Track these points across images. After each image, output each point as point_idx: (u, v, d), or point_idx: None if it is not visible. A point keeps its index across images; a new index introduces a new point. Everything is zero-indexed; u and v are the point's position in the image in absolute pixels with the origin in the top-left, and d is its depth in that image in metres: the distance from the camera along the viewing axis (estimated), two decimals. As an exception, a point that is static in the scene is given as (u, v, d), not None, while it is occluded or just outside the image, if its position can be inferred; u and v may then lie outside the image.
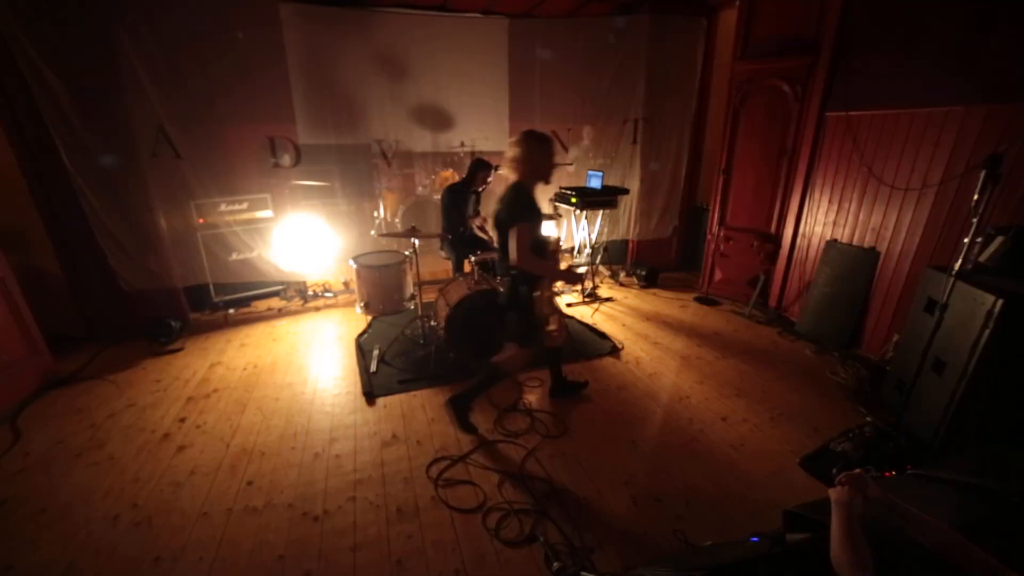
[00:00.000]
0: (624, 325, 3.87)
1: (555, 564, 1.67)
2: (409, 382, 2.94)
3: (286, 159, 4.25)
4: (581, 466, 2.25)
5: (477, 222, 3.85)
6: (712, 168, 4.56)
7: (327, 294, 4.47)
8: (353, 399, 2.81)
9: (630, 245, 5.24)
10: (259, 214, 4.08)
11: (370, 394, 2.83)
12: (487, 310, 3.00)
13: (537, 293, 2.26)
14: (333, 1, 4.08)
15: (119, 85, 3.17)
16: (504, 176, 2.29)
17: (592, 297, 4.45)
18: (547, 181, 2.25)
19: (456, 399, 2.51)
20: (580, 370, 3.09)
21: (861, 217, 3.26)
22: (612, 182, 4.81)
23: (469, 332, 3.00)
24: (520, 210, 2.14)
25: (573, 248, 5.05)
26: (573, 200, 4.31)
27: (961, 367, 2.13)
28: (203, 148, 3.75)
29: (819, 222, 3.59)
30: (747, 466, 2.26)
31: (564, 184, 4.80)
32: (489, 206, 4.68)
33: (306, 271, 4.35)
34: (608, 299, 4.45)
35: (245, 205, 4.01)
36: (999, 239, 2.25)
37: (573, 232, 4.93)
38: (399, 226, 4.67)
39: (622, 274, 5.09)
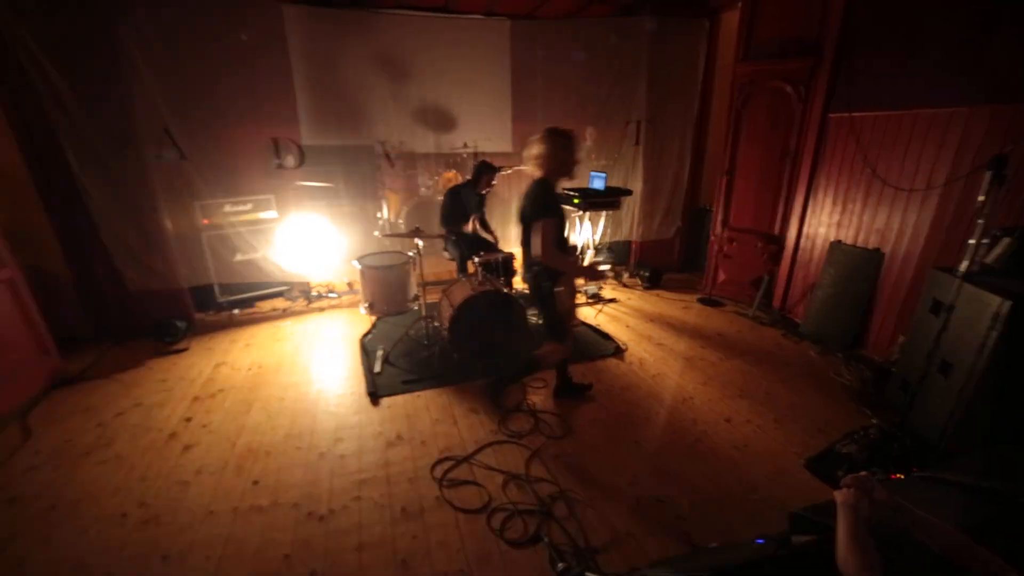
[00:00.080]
0: (628, 326, 3.87)
1: (560, 565, 1.68)
2: (413, 383, 2.95)
3: (290, 160, 4.27)
4: (585, 467, 2.26)
5: (471, 227, 3.78)
6: (715, 169, 4.56)
7: (331, 295, 4.49)
8: (358, 399, 2.82)
9: (633, 246, 5.24)
10: (263, 215, 4.10)
11: (374, 394, 2.84)
12: (491, 311, 3.02)
13: (559, 288, 2.29)
14: (336, 3, 4.11)
15: (125, 87, 3.20)
16: (521, 173, 2.35)
17: (596, 298, 4.45)
18: (571, 177, 2.33)
19: (492, 385, 2.64)
20: (584, 371, 3.10)
21: (865, 218, 3.26)
22: (615, 183, 4.81)
23: (473, 333, 3.01)
24: (544, 206, 2.19)
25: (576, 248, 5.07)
26: (576, 201, 4.32)
27: (968, 369, 2.13)
28: (208, 149, 3.78)
29: (823, 223, 3.58)
30: (751, 468, 2.25)
31: (567, 185, 4.80)
32: (495, 208, 4.71)
33: (310, 272, 4.38)
34: (612, 300, 4.46)
35: (249, 206, 4.03)
36: (1005, 240, 2.25)
37: (576, 233, 4.93)
38: (402, 227, 4.68)
39: (625, 275, 5.09)
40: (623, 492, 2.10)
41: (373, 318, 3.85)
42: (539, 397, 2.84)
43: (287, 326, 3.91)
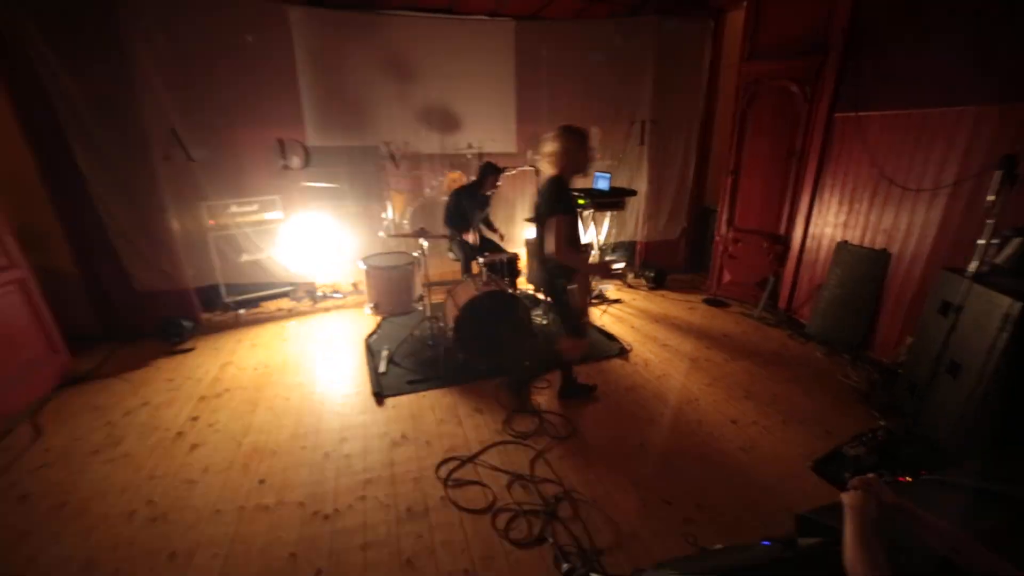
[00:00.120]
0: (632, 327, 3.86)
1: (564, 565, 1.68)
2: (418, 383, 2.96)
3: (295, 161, 4.29)
4: (590, 467, 2.25)
5: (471, 238, 3.66)
6: (720, 169, 4.54)
7: (336, 295, 4.51)
8: (363, 399, 2.84)
9: (638, 247, 5.23)
10: (269, 215, 4.12)
11: (379, 394, 2.85)
12: (496, 311, 3.02)
13: (572, 285, 2.31)
14: (341, 4, 4.13)
15: (133, 90, 3.23)
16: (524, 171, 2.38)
17: (600, 299, 4.44)
18: (585, 175, 2.37)
19: (513, 383, 2.68)
20: (589, 371, 3.09)
21: (872, 218, 3.23)
22: (619, 183, 4.80)
23: (478, 333, 3.02)
24: (558, 203, 2.20)
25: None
26: (581, 201, 4.31)
27: (977, 370, 2.11)
28: (214, 150, 3.81)
29: (829, 223, 3.56)
30: (757, 469, 2.24)
31: (571, 186, 4.79)
32: (499, 208, 4.71)
33: (315, 272, 4.40)
34: (616, 301, 4.45)
35: (255, 207, 4.06)
36: (1016, 240, 2.22)
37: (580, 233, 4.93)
38: (407, 227, 4.70)
39: (630, 276, 5.08)
40: (628, 493, 2.09)
41: (378, 318, 3.87)
42: (544, 398, 2.84)
43: (292, 326, 3.93)
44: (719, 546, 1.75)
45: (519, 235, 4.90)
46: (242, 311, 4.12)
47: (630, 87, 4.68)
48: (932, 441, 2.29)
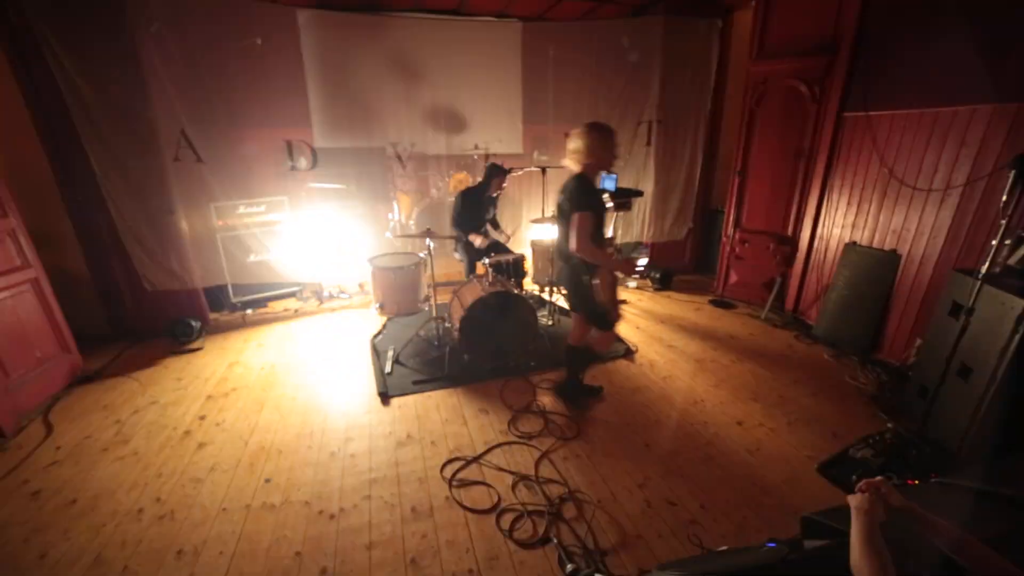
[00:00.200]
0: (638, 327, 3.85)
1: (569, 566, 1.67)
2: (423, 383, 2.97)
3: (303, 162, 4.33)
4: (595, 468, 2.25)
5: (478, 242, 3.70)
6: (727, 170, 4.51)
7: (342, 295, 4.53)
8: (368, 399, 2.85)
9: (644, 247, 5.21)
10: (276, 216, 4.16)
11: (385, 394, 2.86)
12: (501, 311, 3.02)
13: (596, 281, 2.32)
14: (349, 7, 4.16)
15: (144, 92, 3.27)
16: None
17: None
18: (609, 171, 2.36)
19: (560, 389, 2.73)
20: (594, 372, 3.08)
21: (881, 219, 3.20)
22: (626, 184, 4.79)
23: (483, 333, 3.02)
24: (582, 199, 2.21)
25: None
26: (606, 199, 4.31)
27: (989, 373, 2.08)
28: (223, 152, 3.85)
29: (837, 224, 3.53)
30: (763, 471, 2.22)
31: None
32: (504, 209, 4.72)
33: (322, 273, 4.43)
34: (622, 301, 4.43)
35: (263, 208, 4.10)
36: (1028, 242, 2.19)
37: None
38: (414, 228, 4.72)
39: (636, 277, 5.06)
40: (633, 494, 2.09)
41: (384, 319, 3.88)
42: (549, 398, 2.84)
43: (299, 326, 3.96)
44: (724, 548, 1.74)
45: (525, 235, 4.91)
46: (249, 311, 4.16)
47: (637, 87, 4.67)
48: (941, 444, 2.26)
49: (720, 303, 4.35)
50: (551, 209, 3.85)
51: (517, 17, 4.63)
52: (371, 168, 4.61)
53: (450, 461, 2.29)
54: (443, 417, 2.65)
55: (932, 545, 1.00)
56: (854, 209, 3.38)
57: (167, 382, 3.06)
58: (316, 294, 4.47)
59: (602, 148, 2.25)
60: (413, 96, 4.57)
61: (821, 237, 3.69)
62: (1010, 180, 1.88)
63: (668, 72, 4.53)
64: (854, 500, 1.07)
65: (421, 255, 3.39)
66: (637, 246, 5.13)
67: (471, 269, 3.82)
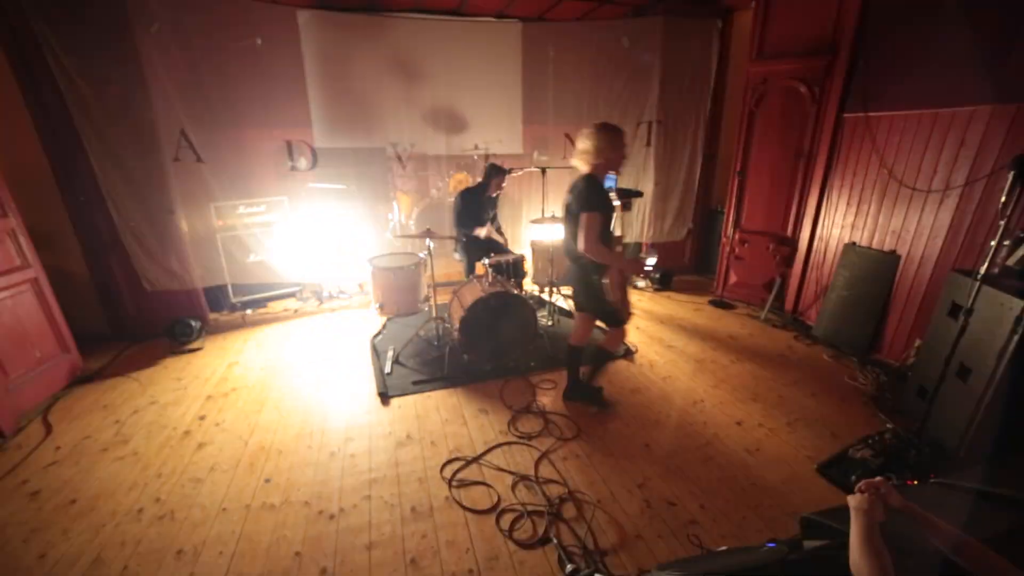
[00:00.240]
0: (638, 328, 3.85)
1: (569, 566, 1.67)
2: (423, 383, 2.97)
3: (303, 162, 4.33)
4: (595, 468, 2.25)
5: (483, 233, 3.76)
6: (727, 170, 4.52)
7: (342, 295, 4.53)
8: (368, 399, 2.85)
9: (644, 248, 5.21)
10: (276, 217, 4.16)
11: (385, 395, 2.86)
12: (501, 311, 3.02)
13: (606, 280, 2.34)
14: (349, 7, 4.16)
15: (145, 92, 3.27)
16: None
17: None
18: (618, 173, 2.36)
19: (571, 391, 2.73)
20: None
21: (881, 220, 3.20)
22: (626, 184, 4.80)
23: (483, 333, 3.02)
24: (590, 200, 2.22)
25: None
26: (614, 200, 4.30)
27: (988, 373, 2.08)
28: (223, 152, 3.86)
29: (837, 225, 3.53)
30: (763, 471, 2.23)
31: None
32: (504, 209, 4.72)
33: (322, 273, 4.43)
34: (621, 302, 4.43)
35: (263, 208, 4.10)
36: (1027, 242, 2.19)
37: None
38: (413, 228, 4.72)
39: (635, 277, 5.07)
40: (633, 494, 2.09)
41: (384, 319, 3.88)
42: (548, 399, 2.84)
43: (298, 326, 3.96)
44: (724, 548, 1.74)
45: (524, 236, 4.91)
46: (249, 311, 4.15)
47: (636, 88, 4.68)
48: (940, 444, 2.27)
49: (720, 303, 4.35)
50: (551, 209, 3.87)
51: (517, 17, 4.63)
52: (371, 168, 4.61)
53: (450, 461, 2.29)
54: (443, 417, 2.66)
55: (932, 545, 1.00)
56: (854, 210, 3.38)
57: (167, 382, 3.06)
58: (316, 294, 4.47)
59: (611, 149, 2.26)
60: (413, 96, 4.58)
61: (821, 238, 3.69)
62: (1009, 181, 1.88)
63: (668, 72, 4.53)
64: (854, 500, 1.08)
65: (421, 255, 3.39)
66: (637, 247, 5.13)
67: (470, 269, 3.82)
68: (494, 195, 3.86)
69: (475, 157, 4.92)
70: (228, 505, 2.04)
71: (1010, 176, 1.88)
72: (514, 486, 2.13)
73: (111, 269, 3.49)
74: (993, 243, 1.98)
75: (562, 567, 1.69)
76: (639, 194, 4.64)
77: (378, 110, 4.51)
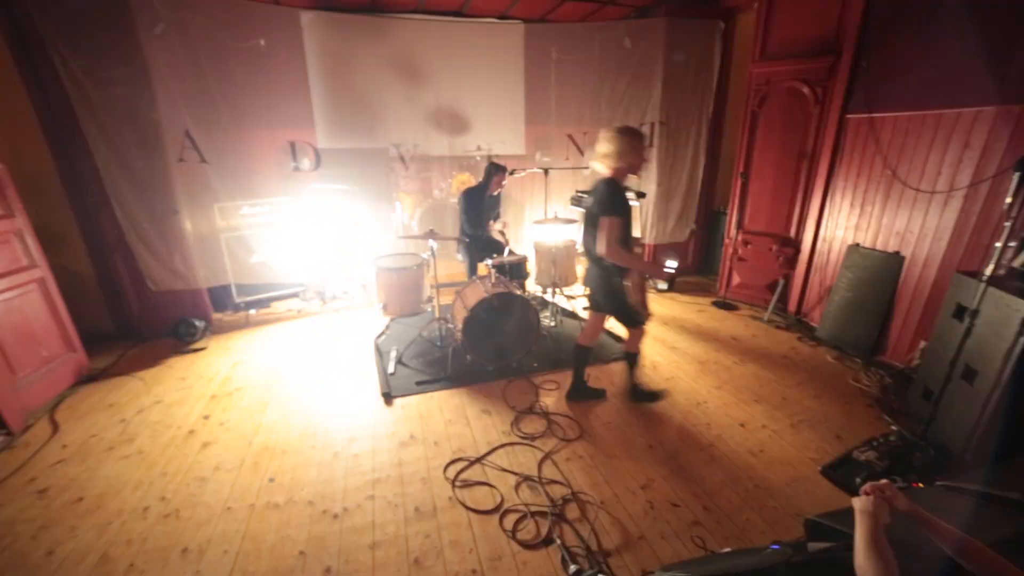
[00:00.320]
0: (640, 329, 3.85)
1: (572, 567, 1.68)
2: (427, 383, 2.98)
3: (306, 163, 4.35)
4: (598, 469, 2.25)
5: (498, 226, 3.86)
6: (730, 171, 4.51)
7: (345, 296, 4.54)
8: (371, 400, 2.86)
9: (646, 249, 5.21)
10: (280, 217, 4.18)
11: (388, 395, 2.87)
12: (504, 312, 3.03)
13: (627, 283, 2.36)
14: (352, 8, 4.17)
15: (149, 93, 3.29)
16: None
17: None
18: (637, 175, 2.43)
19: (575, 390, 2.78)
20: (597, 373, 3.09)
21: (885, 221, 3.19)
22: (629, 185, 4.79)
23: (486, 334, 3.03)
24: (611, 204, 2.23)
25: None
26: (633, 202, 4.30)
27: (994, 376, 2.07)
28: (227, 153, 3.87)
29: (840, 226, 3.52)
30: (766, 473, 2.22)
31: (581, 188, 4.80)
32: (508, 209, 4.74)
33: (325, 273, 4.44)
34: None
35: (267, 208, 4.11)
36: (1033, 244, 2.18)
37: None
38: (416, 229, 4.73)
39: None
40: (636, 495, 2.09)
41: (387, 319, 3.89)
42: (551, 399, 2.84)
43: (302, 327, 3.97)
44: (727, 549, 1.74)
45: (527, 237, 4.92)
46: (252, 311, 4.17)
47: (639, 89, 4.68)
48: (946, 447, 2.26)
49: (723, 305, 4.35)
50: (553, 210, 3.87)
51: (519, 19, 4.64)
52: (374, 169, 4.63)
53: (453, 461, 2.30)
54: (446, 418, 2.66)
55: (937, 549, 1.00)
56: (857, 211, 3.38)
57: (171, 381, 3.08)
58: (319, 294, 4.48)
59: (632, 153, 2.27)
60: (416, 97, 4.59)
61: (824, 239, 3.68)
62: (1014, 182, 1.88)
63: (670, 74, 4.53)
64: (859, 503, 1.07)
65: (424, 256, 3.40)
66: (668, 251, 5.10)
67: (473, 270, 3.83)
68: (495, 193, 3.87)
69: (478, 158, 4.93)
70: (233, 504, 2.05)
71: (1015, 177, 1.87)
72: (517, 487, 2.13)
73: (116, 269, 3.52)
74: (998, 245, 1.98)
75: (565, 568, 1.70)
76: (642, 195, 4.63)
77: (381, 111, 4.52)
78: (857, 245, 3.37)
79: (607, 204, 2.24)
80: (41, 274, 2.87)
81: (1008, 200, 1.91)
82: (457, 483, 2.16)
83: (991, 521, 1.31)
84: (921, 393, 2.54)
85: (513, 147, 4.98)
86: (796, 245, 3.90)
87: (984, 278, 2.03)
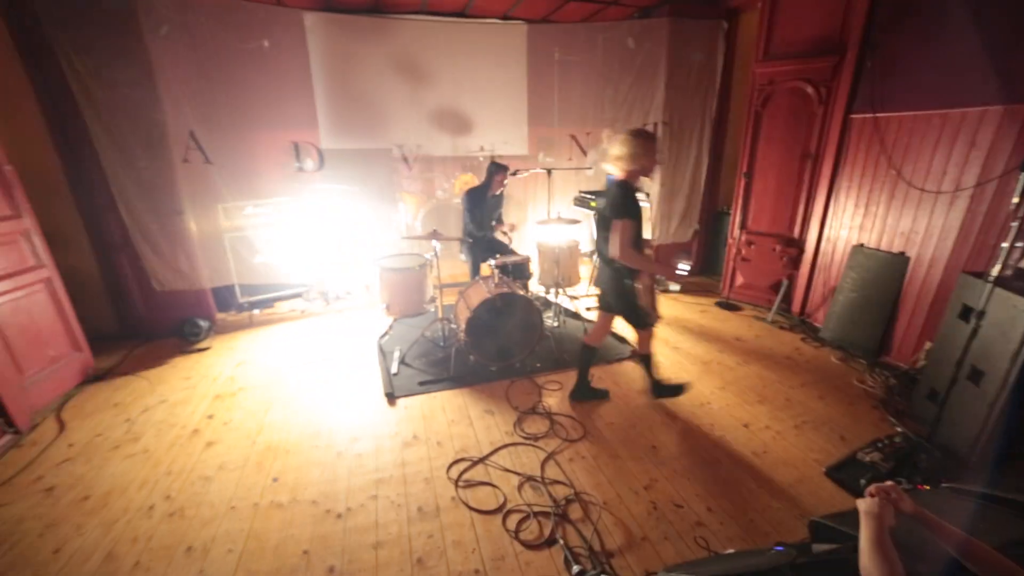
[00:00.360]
0: (643, 329, 3.84)
1: (575, 568, 1.68)
2: (430, 384, 2.98)
3: (309, 164, 4.36)
4: (601, 470, 2.25)
5: (505, 228, 3.86)
6: (733, 171, 4.50)
7: (348, 296, 4.56)
8: (375, 400, 2.86)
9: (654, 250, 5.20)
10: (283, 217, 4.19)
11: (391, 395, 2.88)
12: (508, 312, 3.03)
13: (638, 285, 2.37)
14: (355, 9, 4.19)
15: (154, 94, 3.31)
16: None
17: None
18: (650, 178, 2.51)
19: (578, 390, 2.79)
20: (600, 374, 3.08)
21: (889, 221, 3.18)
22: (631, 185, 4.78)
23: (489, 335, 3.03)
24: (623, 207, 2.25)
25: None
26: (593, 204, 4.31)
27: (1001, 377, 2.06)
28: (231, 153, 3.89)
29: (845, 226, 3.51)
30: (770, 474, 2.22)
31: (584, 188, 4.80)
32: (510, 209, 4.74)
33: (328, 273, 4.46)
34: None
35: (270, 208, 4.13)
36: (1039, 244, 2.17)
37: (592, 235, 4.92)
38: (419, 229, 4.74)
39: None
40: (639, 496, 2.09)
41: (390, 319, 3.90)
42: (554, 400, 2.84)
43: (305, 327, 3.99)
44: (731, 551, 1.73)
45: (530, 237, 4.92)
46: (256, 311, 4.19)
47: (642, 89, 4.67)
48: (951, 449, 2.24)
49: (726, 305, 4.33)
50: (556, 211, 3.87)
51: (522, 19, 4.64)
52: (377, 169, 4.65)
53: (456, 462, 2.30)
54: (449, 418, 2.67)
55: (943, 551, 0.99)
56: (861, 211, 3.36)
57: (176, 381, 3.09)
58: (322, 295, 4.49)
59: (645, 155, 2.27)
60: (419, 98, 4.60)
61: (828, 239, 3.67)
62: (1021, 182, 1.87)
63: (673, 74, 4.52)
64: (864, 504, 1.07)
65: (427, 256, 3.40)
66: (681, 253, 5.10)
67: (476, 270, 3.83)
68: (497, 192, 3.87)
69: (481, 158, 4.93)
70: (237, 503, 2.06)
71: (1022, 177, 1.86)
72: (520, 487, 2.13)
73: (122, 269, 3.54)
74: (1005, 245, 1.97)
75: (568, 568, 1.70)
76: (645, 195, 4.62)
77: (384, 111, 4.54)
78: (861, 245, 3.36)
79: (619, 207, 2.24)
80: (48, 274, 2.90)
81: (1015, 200, 1.90)
82: (460, 483, 2.16)
83: (997, 524, 1.30)
84: (926, 394, 2.53)
85: (516, 147, 4.99)
86: (800, 245, 3.88)
87: (991, 279, 2.02)
